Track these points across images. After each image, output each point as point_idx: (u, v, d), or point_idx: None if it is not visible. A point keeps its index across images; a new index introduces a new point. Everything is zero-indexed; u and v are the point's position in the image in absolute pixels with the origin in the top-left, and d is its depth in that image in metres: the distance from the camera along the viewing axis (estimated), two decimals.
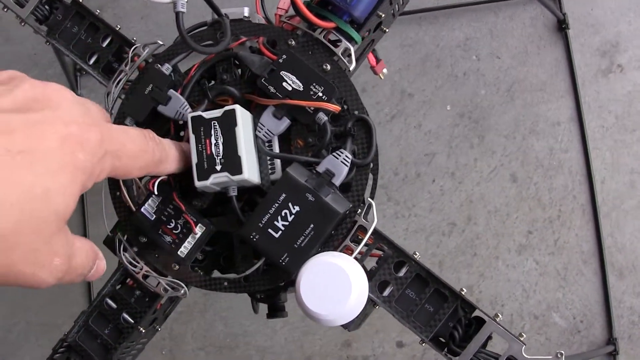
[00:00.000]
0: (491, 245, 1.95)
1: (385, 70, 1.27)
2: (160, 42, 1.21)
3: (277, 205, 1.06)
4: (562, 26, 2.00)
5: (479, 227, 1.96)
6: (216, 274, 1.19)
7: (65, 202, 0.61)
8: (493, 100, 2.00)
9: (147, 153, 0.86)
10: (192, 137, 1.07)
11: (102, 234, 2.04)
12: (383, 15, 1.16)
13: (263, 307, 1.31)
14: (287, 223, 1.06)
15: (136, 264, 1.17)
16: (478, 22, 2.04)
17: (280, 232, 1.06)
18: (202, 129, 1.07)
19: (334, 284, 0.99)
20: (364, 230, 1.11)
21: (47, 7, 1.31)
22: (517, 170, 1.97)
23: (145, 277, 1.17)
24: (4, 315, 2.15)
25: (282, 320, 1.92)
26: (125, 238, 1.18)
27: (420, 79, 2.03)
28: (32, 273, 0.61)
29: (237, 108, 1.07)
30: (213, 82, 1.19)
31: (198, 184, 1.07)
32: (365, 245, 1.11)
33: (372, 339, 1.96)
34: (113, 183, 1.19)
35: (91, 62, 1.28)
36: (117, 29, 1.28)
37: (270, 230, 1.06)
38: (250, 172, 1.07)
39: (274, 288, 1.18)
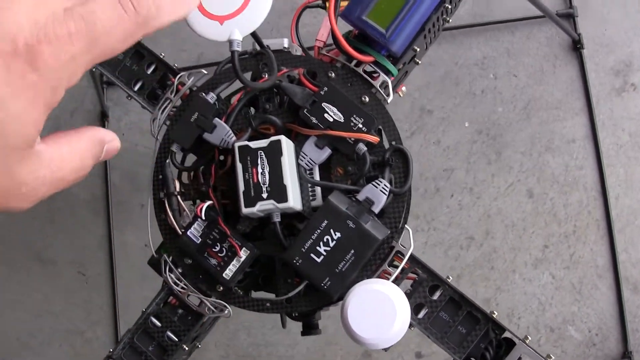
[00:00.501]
0: (508, 259, 2.01)
1: (404, 89, 1.32)
2: (205, 72, 1.27)
3: (319, 231, 1.12)
4: (577, 46, 2.06)
5: (496, 241, 2.02)
6: (255, 293, 1.25)
7: (24, 130, 0.56)
8: (510, 117, 2.06)
9: (124, 18, 0.60)
10: (239, 166, 1.13)
11: (127, 242, 2.11)
12: (418, 50, 1.22)
13: (290, 320, 1.36)
14: (328, 248, 1.12)
15: (180, 284, 1.22)
16: (495, 41, 2.10)
17: (322, 257, 1.12)
18: (248, 158, 1.13)
19: (380, 311, 1.05)
20: (400, 254, 1.16)
21: None
22: (534, 186, 2.03)
23: (188, 296, 1.23)
24: (28, 320, 2.21)
25: None
26: (170, 259, 1.23)
27: (439, 97, 2.09)
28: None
29: (283, 139, 1.13)
30: (253, 109, 1.24)
31: (245, 210, 1.13)
32: (401, 269, 1.17)
33: (391, 350, 2.01)
34: (159, 206, 1.24)
35: (136, 88, 1.34)
36: (162, 56, 1.33)
37: (312, 255, 1.12)
38: (295, 200, 1.13)
39: (305, 311, 1.24)
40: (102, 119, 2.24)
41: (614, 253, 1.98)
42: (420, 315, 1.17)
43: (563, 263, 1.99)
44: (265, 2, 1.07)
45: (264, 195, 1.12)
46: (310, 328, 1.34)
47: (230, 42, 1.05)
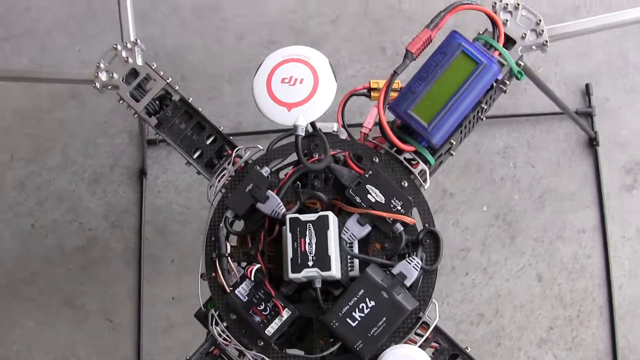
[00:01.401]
0: (514, 337, 2.13)
1: None
2: (260, 147, 1.41)
3: (356, 298, 1.26)
4: (592, 143, 2.20)
5: (505, 320, 2.14)
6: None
7: None
8: (526, 205, 2.19)
9: None
10: (289, 235, 1.27)
11: (155, 294, 2.22)
12: (454, 143, 1.36)
13: None
14: (363, 314, 1.26)
15: (224, 335, 1.35)
16: (517, 133, 2.24)
17: (357, 321, 1.26)
18: (298, 229, 1.27)
19: None
20: (425, 325, 1.30)
21: (157, 103, 1.51)
22: (543, 270, 2.15)
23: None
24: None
25: None
26: (217, 314, 1.36)
27: (461, 180, 2.23)
28: None
29: (330, 215, 1.27)
30: (299, 184, 1.38)
31: (291, 275, 1.27)
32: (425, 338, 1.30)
33: None
34: (210, 265, 1.37)
35: (195, 156, 1.47)
36: (221, 129, 1.47)
37: (348, 319, 1.26)
38: (336, 270, 1.27)
39: None
40: (141, 176, 2.37)
41: (614, 339, 2.10)
42: None
43: (566, 345, 2.11)
44: (329, 94, 1.23)
45: (310, 263, 1.26)
46: None
47: (295, 127, 1.20)
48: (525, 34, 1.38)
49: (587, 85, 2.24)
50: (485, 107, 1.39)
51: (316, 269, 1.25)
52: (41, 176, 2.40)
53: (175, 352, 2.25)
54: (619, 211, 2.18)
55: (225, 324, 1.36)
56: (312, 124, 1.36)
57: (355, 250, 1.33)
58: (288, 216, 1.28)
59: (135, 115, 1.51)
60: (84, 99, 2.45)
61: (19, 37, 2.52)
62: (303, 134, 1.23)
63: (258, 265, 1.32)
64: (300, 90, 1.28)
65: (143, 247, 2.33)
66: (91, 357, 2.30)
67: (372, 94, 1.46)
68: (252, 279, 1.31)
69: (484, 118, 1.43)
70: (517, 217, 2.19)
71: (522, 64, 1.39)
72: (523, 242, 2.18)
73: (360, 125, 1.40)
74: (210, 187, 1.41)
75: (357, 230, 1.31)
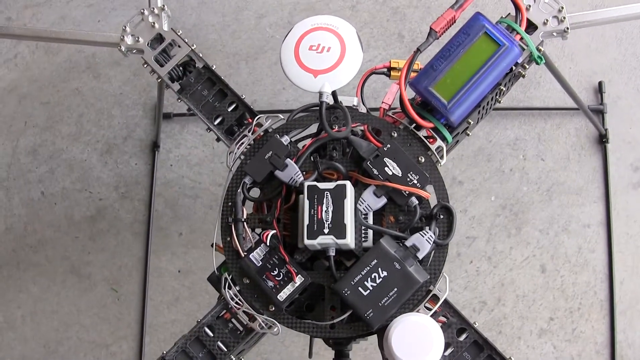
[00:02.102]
0: (515, 326, 2.16)
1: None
2: (281, 117, 1.43)
3: (368, 268, 1.28)
4: (602, 140, 2.22)
5: (507, 309, 2.17)
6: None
7: None
8: (533, 197, 2.22)
9: None
10: (307, 202, 1.30)
11: (162, 267, 2.24)
12: (471, 122, 1.39)
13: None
14: (375, 284, 1.28)
15: (236, 299, 1.38)
16: (529, 126, 2.27)
17: (368, 291, 1.28)
18: (315, 197, 1.29)
19: (420, 340, 1.22)
20: (434, 298, 1.32)
21: (181, 69, 1.53)
22: (547, 262, 2.18)
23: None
24: (59, 329, 2.34)
25: None
26: (230, 277, 1.38)
27: (471, 169, 2.25)
28: None
29: (348, 184, 1.29)
30: (317, 155, 1.40)
31: (307, 242, 1.29)
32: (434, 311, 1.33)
33: None
34: (225, 229, 1.40)
35: (216, 122, 1.49)
36: (243, 98, 1.49)
37: (360, 288, 1.28)
38: (351, 238, 1.29)
39: (347, 337, 1.40)
40: (153, 149, 2.39)
41: (613, 333, 2.12)
42: (447, 353, 1.33)
43: (565, 336, 2.13)
44: (355, 63, 1.26)
45: (325, 230, 1.28)
46: (341, 357, 1.49)
47: (321, 93, 1.23)
48: (547, 20, 1.41)
49: (600, 83, 2.27)
50: (504, 89, 1.41)
51: (331, 237, 1.28)
52: (54, 144, 2.43)
53: (179, 325, 2.27)
54: (625, 208, 2.20)
55: (237, 288, 1.38)
56: (334, 96, 1.39)
57: (370, 222, 1.35)
58: (306, 184, 1.31)
59: (159, 80, 1.54)
60: (100, 70, 2.47)
61: (38, 6, 2.54)
62: (328, 101, 1.25)
63: (274, 231, 1.34)
64: (327, 58, 1.30)
65: (152, 220, 2.35)
66: (95, 325, 2.32)
67: (392, 73, 1.49)
68: (268, 243, 1.33)
69: (501, 101, 1.46)
70: (524, 208, 2.22)
71: (542, 49, 1.41)
72: (528, 233, 2.21)
73: (377, 109, 1.43)
74: (229, 154, 1.44)
75: (372, 201, 1.34)
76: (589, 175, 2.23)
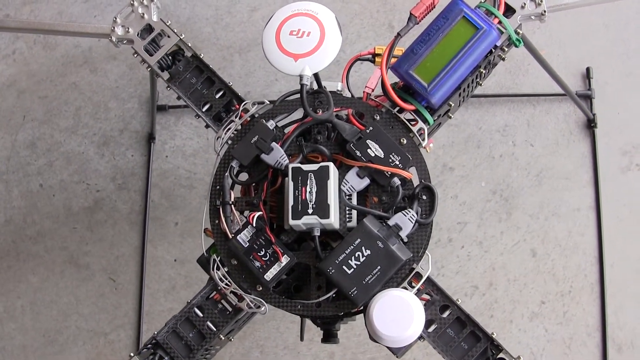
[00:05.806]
0: (507, 310, 2.19)
1: (432, 145, 1.50)
2: (267, 102, 1.47)
3: (352, 247, 1.32)
4: (591, 124, 2.25)
5: (498, 293, 2.20)
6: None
7: None
8: (523, 182, 2.25)
9: None
10: (291, 184, 1.33)
11: (158, 256, 2.27)
12: (452, 105, 1.42)
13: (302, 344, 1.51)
14: (358, 263, 1.31)
15: (225, 280, 1.41)
16: (518, 112, 2.29)
17: (352, 269, 1.31)
18: (299, 178, 1.33)
19: (401, 313, 1.25)
20: (417, 276, 1.36)
21: (170, 58, 1.57)
22: (538, 246, 2.21)
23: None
24: (57, 319, 2.37)
25: (314, 351, 2.13)
26: (219, 259, 1.42)
27: (461, 156, 2.28)
28: None
29: (331, 165, 1.33)
30: (302, 139, 1.44)
31: (291, 222, 1.32)
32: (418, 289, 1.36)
33: None
34: (214, 212, 1.43)
35: (204, 109, 1.53)
36: (230, 85, 1.53)
37: (344, 267, 1.31)
38: (335, 218, 1.33)
39: (333, 316, 1.43)
40: (149, 140, 2.43)
41: (604, 315, 2.15)
42: (430, 329, 1.36)
43: (557, 319, 2.16)
44: (334, 47, 1.29)
45: (309, 211, 1.32)
46: (329, 337, 1.53)
47: (301, 76, 1.26)
48: (524, 4, 1.44)
49: (587, 69, 2.29)
50: (484, 72, 1.44)
51: (315, 217, 1.31)
52: (52, 137, 2.46)
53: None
54: (614, 192, 2.23)
55: (226, 269, 1.42)
56: (318, 81, 1.42)
57: (354, 202, 1.39)
58: (290, 166, 1.34)
59: (149, 69, 1.57)
60: (96, 64, 2.51)
61: (36, 2, 2.57)
62: (308, 84, 1.29)
63: (260, 213, 1.38)
64: (307, 42, 1.34)
65: (148, 210, 2.39)
66: (93, 314, 2.35)
67: (377, 59, 1.51)
68: (254, 225, 1.37)
69: (482, 84, 1.49)
70: (514, 193, 2.25)
71: (521, 32, 1.44)
72: (519, 218, 2.24)
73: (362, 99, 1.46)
74: (217, 139, 1.47)
75: (356, 182, 1.37)
76: (578, 160, 2.25)
